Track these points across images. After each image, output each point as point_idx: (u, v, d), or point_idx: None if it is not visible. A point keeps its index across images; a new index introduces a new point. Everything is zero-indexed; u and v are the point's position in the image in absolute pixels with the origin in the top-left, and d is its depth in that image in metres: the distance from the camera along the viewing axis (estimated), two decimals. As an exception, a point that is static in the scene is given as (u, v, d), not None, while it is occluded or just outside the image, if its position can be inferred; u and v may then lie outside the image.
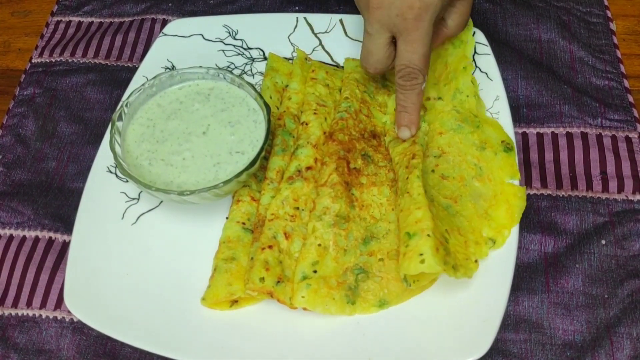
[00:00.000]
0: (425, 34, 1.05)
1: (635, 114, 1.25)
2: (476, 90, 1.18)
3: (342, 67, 1.29)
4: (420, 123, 1.14)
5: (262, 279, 1.00)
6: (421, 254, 0.95)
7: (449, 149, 1.14)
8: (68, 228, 1.18)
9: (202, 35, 1.35)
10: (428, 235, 0.96)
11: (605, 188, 1.17)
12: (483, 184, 1.10)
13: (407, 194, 1.04)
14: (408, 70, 1.07)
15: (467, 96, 1.17)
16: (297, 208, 1.09)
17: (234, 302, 1.04)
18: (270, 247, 1.04)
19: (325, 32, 1.34)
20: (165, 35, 1.34)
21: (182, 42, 1.34)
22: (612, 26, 1.38)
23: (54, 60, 1.43)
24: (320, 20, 1.35)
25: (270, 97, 1.23)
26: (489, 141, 1.13)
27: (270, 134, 1.10)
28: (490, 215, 1.07)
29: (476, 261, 1.02)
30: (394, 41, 1.10)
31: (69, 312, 1.09)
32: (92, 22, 1.50)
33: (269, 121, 1.10)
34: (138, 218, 1.13)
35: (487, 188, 1.10)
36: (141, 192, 1.15)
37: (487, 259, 1.04)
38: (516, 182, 1.10)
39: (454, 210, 1.07)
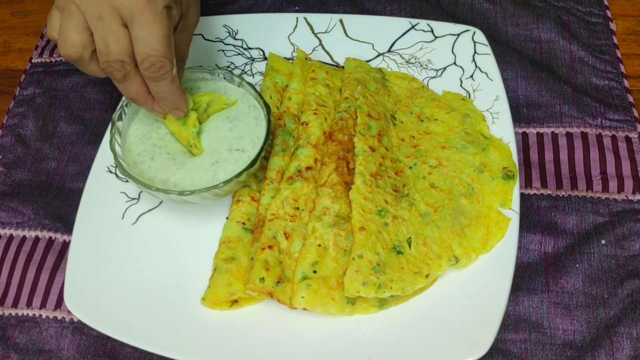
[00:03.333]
0: (161, 13, 0.92)
1: (635, 113, 1.25)
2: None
3: (342, 67, 1.30)
4: (187, 102, 1.06)
5: (262, 279, 1.00)
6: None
7: (446, 163, 1.14)
8: (68, 228, 1.18)
9: (202, 35, 1.35)
10: (353, 258, 1.02)
11: (605, 188, 1.17)
12: (470, 203, 1.10)
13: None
14: (152, 59, 0.93)
15: (477, 119, 1.19)
16: (297, 208, 1.09)
17: (234, 302, 1.04)
18: (270, 247, 1.04)
19: (325, 32, 1.34)
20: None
21: (182, 42, 1.34)
22: (612, 26, 1.38)
23: (54, 60, 1.43)
24: (320, 20, 1.35)
25: (271, 97, 1.23)
26: (489, 165, 1.13)
27: (270, 134, 1.10)
28: (466, 234, 1.07)
29: (427, 276, 1.03)
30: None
31: (69, 312, 1.09)
32: (93, 22, 1.49)
33: (269, 121, 1.10)
34: (138, 218, 1.14)
35: (473, 207, 1.10)
36: (141, 192, 1.15)
37: (487, 258, 1.04)
38: (507, 212, 1.09)
39: (430, 218, 1.08)
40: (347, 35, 1.33)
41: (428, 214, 1.08)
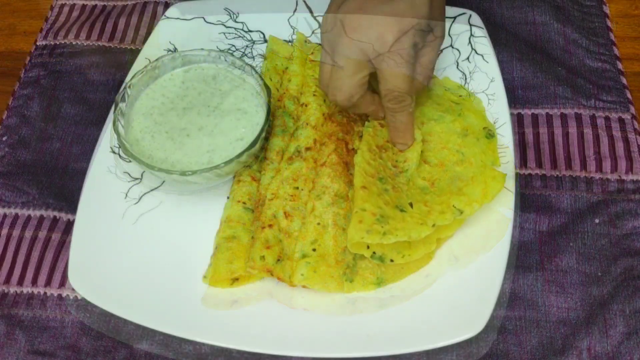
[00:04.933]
0: (407, 55, 1.02)
1: (628, 95, 1.26)
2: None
3: (341, 49, 1.30)
4: (414, 136, 1.12)
5: (262, 257, 1.02)
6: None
7: (429, 138, 1.14)
8: (72, 207, 1.19)
9: (203, 18, 1.36)
10: (356, 212, 1.01)
11: (599, 168, 1.19)
12: (464, 168, 1.10)
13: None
14: (395, 94, 1.05)
15: (445, 89, 1.21)
16: (297, 188, 1.10)
17: (235, 280, 1.05)
18: (270, 225, 1.06)
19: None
20: (168, 18, 1.35)
21: (184, 25, 1.35)
22: (606, 9, 1.39)
23: (58, 43, 1.44)
24: (320, 1, 1.35)
25: (271, 79, 1.25)
26: (471, 128, 1.14)
27: (270, 116, 1.12)
28: (464, 192, 1.06)
29: (434, 225, 1.02)
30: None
31: (73, 290, 1.10)
32: (96, 5, 1.50)
33: (269, 102, 1.11)
34: (141, 197, 1.15)
35: (467, 171, 1.10)
36: (144, 172, 1.17)
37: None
38: (498, 168, 1.10)
39: (428, 190, 1.09)
40: (346, 17, 1.34)
41: (426, 187, 1.09)
